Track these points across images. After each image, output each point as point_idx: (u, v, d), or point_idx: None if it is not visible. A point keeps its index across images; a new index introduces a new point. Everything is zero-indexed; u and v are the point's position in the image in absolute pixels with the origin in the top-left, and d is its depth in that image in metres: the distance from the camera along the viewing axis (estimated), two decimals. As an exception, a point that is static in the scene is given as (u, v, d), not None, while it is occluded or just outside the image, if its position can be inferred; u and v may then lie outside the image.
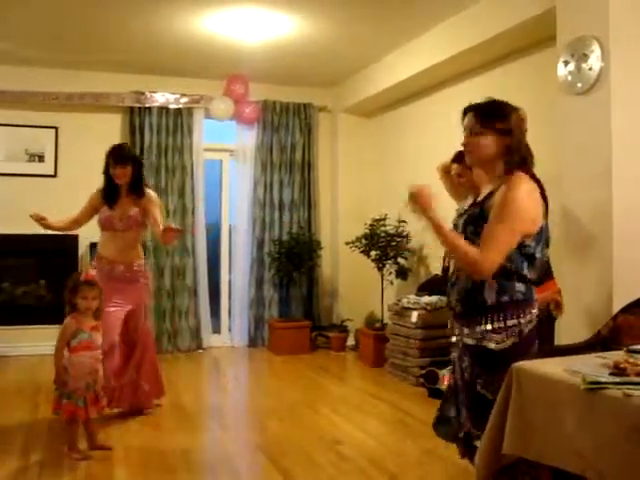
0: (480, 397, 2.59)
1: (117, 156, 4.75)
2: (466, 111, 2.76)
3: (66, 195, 7.12)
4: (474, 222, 2.62)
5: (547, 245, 2.64)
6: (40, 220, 4.70)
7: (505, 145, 2.61)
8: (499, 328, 2.55)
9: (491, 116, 2.65)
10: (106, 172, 4.84)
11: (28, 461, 3.83)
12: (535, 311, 2.62)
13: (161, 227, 4.51)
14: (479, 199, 2.72)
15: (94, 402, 3.90)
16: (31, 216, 4.67)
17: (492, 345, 2.56)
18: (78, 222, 5.00)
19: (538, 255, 2.58)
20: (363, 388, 5.72)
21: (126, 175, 4.73)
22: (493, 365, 2.54)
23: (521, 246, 2.53)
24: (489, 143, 2.63)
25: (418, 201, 2.62)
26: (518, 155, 2.60)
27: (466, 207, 2.83)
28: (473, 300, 2.60)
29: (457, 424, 2.78)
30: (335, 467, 3.79)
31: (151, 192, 4.86)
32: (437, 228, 2.59)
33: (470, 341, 2.64)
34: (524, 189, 2.52)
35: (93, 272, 4.13)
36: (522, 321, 2.56)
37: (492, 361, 2.55)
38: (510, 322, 2.54)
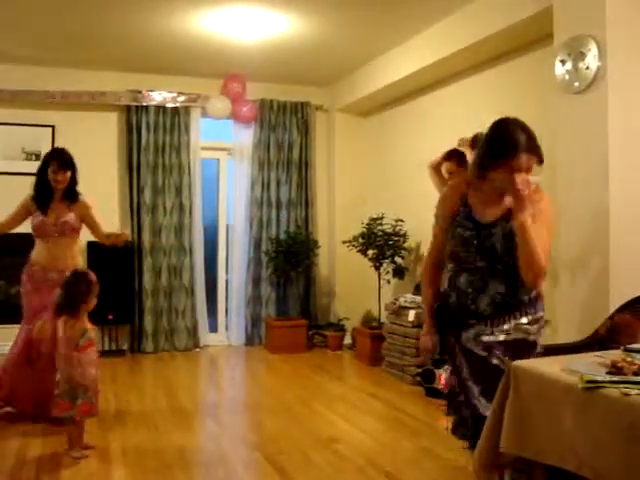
0: (494, 368, 2.63)
1: (62, 161, 4.68)
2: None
3: (63, 194, 7.12)
4: (508, 239, 2.63)
5: None
6: None
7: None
8: (532, 320, 2.70)
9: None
10: (42, 176, 4.73)
11: (26, 460, 3.83)
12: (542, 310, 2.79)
13: (104, 232, 4.76)
14: (501, 214, 2.69)
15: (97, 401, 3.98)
16: None
17: (532, 337, 2.70)
18: (8, 226, 4.93)
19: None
20: (360, 387, 5.73)
21: (66, 180, 4.71)
22: (529, 355, 2.65)
23: None
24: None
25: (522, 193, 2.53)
26: None
27: (483, 221, 2.72)
28: (508, 301, 2.68)
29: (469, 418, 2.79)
30: (332, 465, 3.79)
31: (84, 197, 4.87)
32: (522, 226, 2.54)
33: (502, 337, 2.69)
34: (547, 197, 2.69)
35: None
36: (541, 314, 2.75)
37: (528, 352, 2.66)
38: (538, 315, 2.73)
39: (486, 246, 2.67)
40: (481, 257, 2.69)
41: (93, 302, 3.99)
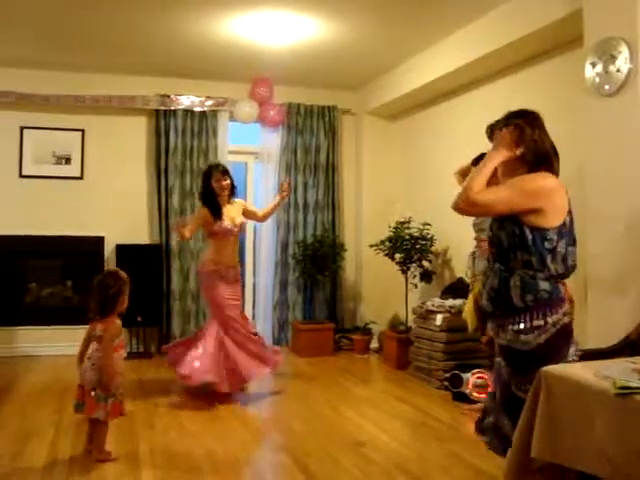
0: (515, 398, 2.59)
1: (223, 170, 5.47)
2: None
3: (92, 197, 7.23)
4: (512, 236, 2.63)
5: (573, 244, 2.65)
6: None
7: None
8: (526, 328, 2.57)
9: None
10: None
11: (56, 461, 3.88)
12: (564, 310, 2.61)
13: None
14: None
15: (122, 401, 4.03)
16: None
17: (519, 346, 2.58)
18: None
19: (560, 250, 2.59)
20: (387, 391, 5.71)
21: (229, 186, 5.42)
22: (524, 366, 2.56)
23: (543, 238, 2.56)
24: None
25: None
26: (530, 157, 2.65)
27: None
28: (501, 300, 2.63)
29: (495, 429, 2.75)
30: (359, 469, 3.79)
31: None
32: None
33: (502, 342, 2.67)
34: (541, 178, 2.61)
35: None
36: (549, 320, 2.56)
37: (522, 362, 2.57)
38: (536, 322, 2.56)
39: (494, 240, 2.70)
40: (491, 250, 2.74)
41: (125, 301, 4.01)
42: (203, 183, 5.48)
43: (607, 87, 3.82)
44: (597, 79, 3.88)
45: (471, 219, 4.88)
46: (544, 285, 2.57)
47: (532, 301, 2.57)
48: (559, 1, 4.38)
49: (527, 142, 2.63)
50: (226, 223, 5.33)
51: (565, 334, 2.60)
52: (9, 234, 6.92)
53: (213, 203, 5.37)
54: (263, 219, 6.00)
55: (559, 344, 2.58)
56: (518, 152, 2.62)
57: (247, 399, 5.42)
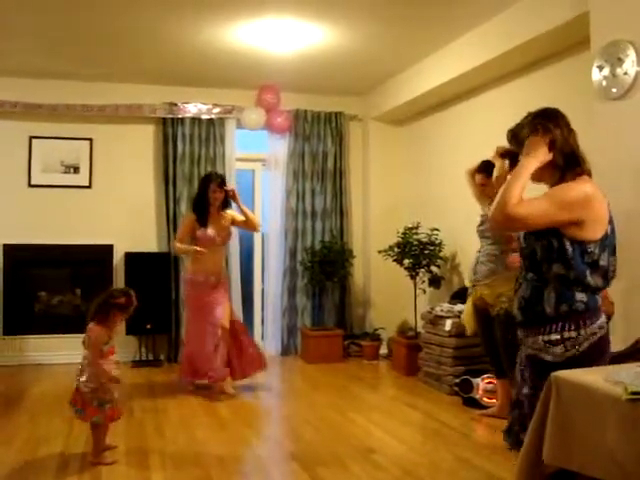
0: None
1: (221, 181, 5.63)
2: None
3: (101, 205, 7.26)
4: (546, 248, 2.52)
5: (613, 253, 2.54)
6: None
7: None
8: (557, 340, 2.48)
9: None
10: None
11: (67, 468, 3.89)
12: (600, 323, 2.50)
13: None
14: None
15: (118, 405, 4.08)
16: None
17: (548, 357, 2.49)
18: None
19: (602, 263, 2.47)
20: (397, 397, 5.70)
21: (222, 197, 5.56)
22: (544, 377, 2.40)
23: (584, 252, 2.44)
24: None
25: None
26: (558, 158, 2.54)
27: None
28: (532, 309, 2.54)
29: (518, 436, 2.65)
30: (369, 476, 3.77)
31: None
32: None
33: (530, 351, 2.58)
34: (576, 185, 2.48)
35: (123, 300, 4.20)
36: (582, 333, 2.46)
37: (548, 374, 2.39)
38: (567, 334, 2.47)
39: (526, 251, 2.60)
40: (524, 260, 2.64)
41: (117, 321, 4.09)
42: (199, 189, 5.64)
43: (614, 90, 3.81)
44: (604, 82, 3.88)
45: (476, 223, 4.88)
46: (580, 296, 2.47)
47: (566, 312, 2.46)
48: (566, 4, 4.38)
49: (557, 143, 2.52)
50: (209, 231, 5.45)
51: (600, 348, 2.50)
52: (19, 243, 6.95)
53: (202, 210, 5.52)
54: (250, 224, 5.92)
55: (593, 358, 2.46)
56: (550, 156, 2.51)
57: (256, 405, 5.42)
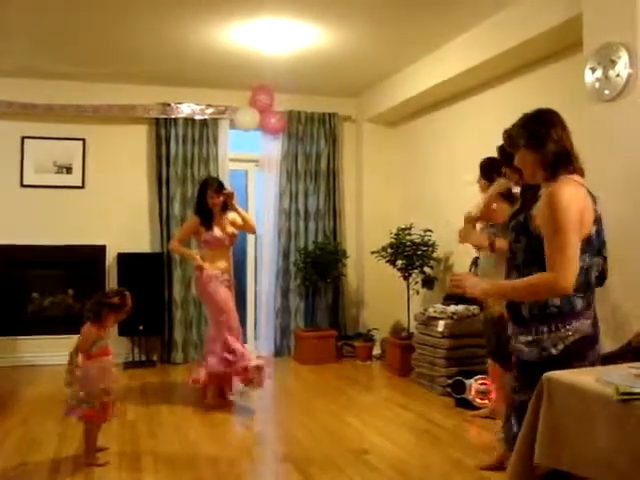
0: (517, 403, 2.57)
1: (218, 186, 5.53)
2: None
3: (94, 206, 7.24)
4: (517, 230, 2.58)
5: (599, 254, 2.54)
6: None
7: (536, 155, 2.58)
8: (530, 341, 2.51)
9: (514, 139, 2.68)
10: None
11: (59, 469, 3.89)
12: (574, 326, 2.48)
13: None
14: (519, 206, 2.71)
15: (108, 407, 4.04)
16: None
17: (525, 357, 2.54)
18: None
19: (581, 264, 2.44)
20: (390, 397, 5.70)
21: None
22: (529, 377, 2.46)
23: None
24: (520, 159, 2.67)
25: (461, 288, 2.67)
26: (551, 159, 2.54)
27: (513, 210, 2.77)
28: (513, 310, 2.60)
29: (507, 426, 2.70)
30: (363, 477, 3.78)
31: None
32: (496, 294, 2.80)
33: (515, 348, 2.62)
34: (567, 195, 2.42)
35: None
36: (555, 335, 2.47)
37: (528, 373, 2.50)
38: (542, 336, 2.49)
39: (511, 252, 2.63)
40: (507, 260, 2.67)
41: (110, 320, 4.08)
42: (198, 195, 5.60)
43: (607, 92, 3.82)
44: (597, 84, 3.89)
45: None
46: (553, 301, 2.46)
47: (538, 315, 2.49)
48: (559, 7, 4.39)
49: (549, 143, 2.53)
50: (217, 233, 5.43)
51: (578, 351, 2.48)
52: (11, 243, 6.92)
53: (205, 214, 5.48)
54: (248, 227, 5.77)
55: (569, 361, 2.44)
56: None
57: (249, 407, 5.42)
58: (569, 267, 2.37)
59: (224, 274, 5.47)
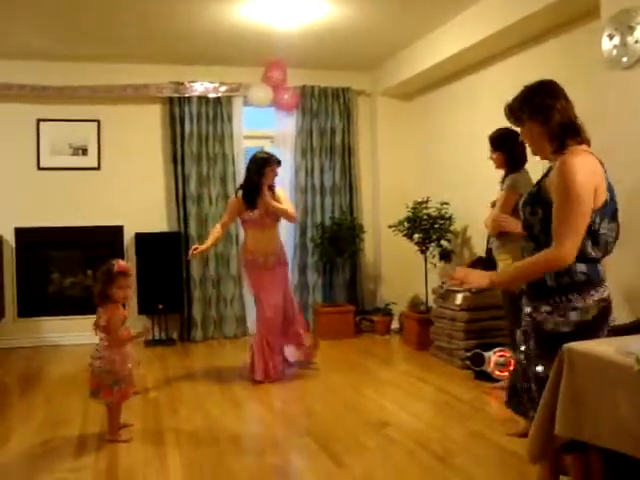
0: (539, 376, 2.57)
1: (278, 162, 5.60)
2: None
3: (110, 187, 7.27)
4: (532, 202, 2.58)
5: (614, 219, 2.54)
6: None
7: (542, 127, 2.57)
8: (557, 310, 2.50)
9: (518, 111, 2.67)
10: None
11: (85, 446, 3.95)
12: (600, 294, 2.51)
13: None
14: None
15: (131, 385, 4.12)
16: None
17: (550, 326, 2.52)
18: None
19: (603, 231, 2.47)
20: (409, 371, 5.72)
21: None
22: (550, 347, 2.46)
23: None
24: (526, 132, 2.67)
25: (466, 283, 2.71)
26: (558, 130, 2.53)
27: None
28: (535, 281, 2.56)
29: (526, 398, 2.69)
30: (382, 449, 3.81)
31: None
32: (503, 281, 2.81)
33: (533, 319, 2.60)
34: (578, 164, 2.41)
35: (123, 262, 4.17)
36: (582, 304, 2.48)
37: (549, 343, 2.49)
38: (570, 305, 2.48)
39: (526, 223, 2.63)
40: (525, 231, 2.67)
41: (118, 292, 4.02)
42: (252, 173, 5.44)
43: (625, 60, 3.76)
44: (614, 51, 3.83)
45: (491, 198, 4.77)
46: (581, 267, 2.47)
47: (568, 283, 2.48)
48: (574, -27, 4.31)
49: (556, 115, 2.52)
50: (256, 213, 5.38)
51: (600, 319, 2.50)
52: (30, 226, 6.99)
53: (252, 193, 5.40)
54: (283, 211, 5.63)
55: (593, 329, 2.48)
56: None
57: (269, 383, 5.45)
58: (570, 236, 2.39)
59: (262, 256, 5.42)
